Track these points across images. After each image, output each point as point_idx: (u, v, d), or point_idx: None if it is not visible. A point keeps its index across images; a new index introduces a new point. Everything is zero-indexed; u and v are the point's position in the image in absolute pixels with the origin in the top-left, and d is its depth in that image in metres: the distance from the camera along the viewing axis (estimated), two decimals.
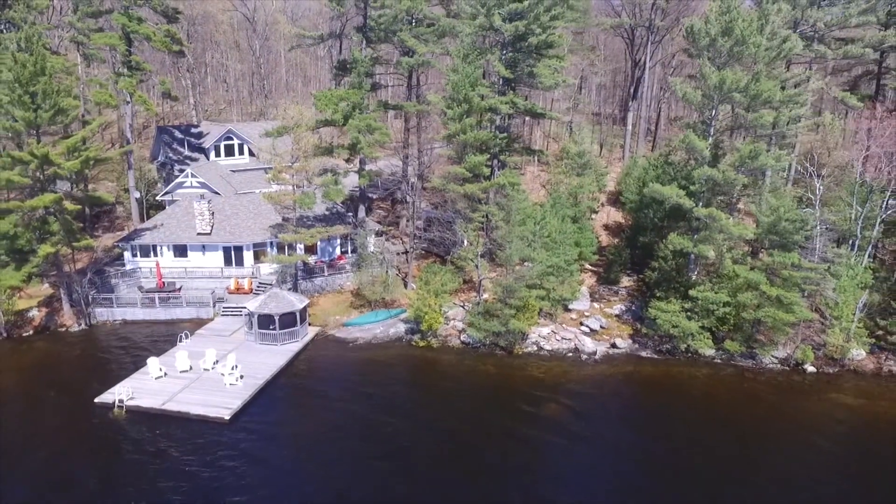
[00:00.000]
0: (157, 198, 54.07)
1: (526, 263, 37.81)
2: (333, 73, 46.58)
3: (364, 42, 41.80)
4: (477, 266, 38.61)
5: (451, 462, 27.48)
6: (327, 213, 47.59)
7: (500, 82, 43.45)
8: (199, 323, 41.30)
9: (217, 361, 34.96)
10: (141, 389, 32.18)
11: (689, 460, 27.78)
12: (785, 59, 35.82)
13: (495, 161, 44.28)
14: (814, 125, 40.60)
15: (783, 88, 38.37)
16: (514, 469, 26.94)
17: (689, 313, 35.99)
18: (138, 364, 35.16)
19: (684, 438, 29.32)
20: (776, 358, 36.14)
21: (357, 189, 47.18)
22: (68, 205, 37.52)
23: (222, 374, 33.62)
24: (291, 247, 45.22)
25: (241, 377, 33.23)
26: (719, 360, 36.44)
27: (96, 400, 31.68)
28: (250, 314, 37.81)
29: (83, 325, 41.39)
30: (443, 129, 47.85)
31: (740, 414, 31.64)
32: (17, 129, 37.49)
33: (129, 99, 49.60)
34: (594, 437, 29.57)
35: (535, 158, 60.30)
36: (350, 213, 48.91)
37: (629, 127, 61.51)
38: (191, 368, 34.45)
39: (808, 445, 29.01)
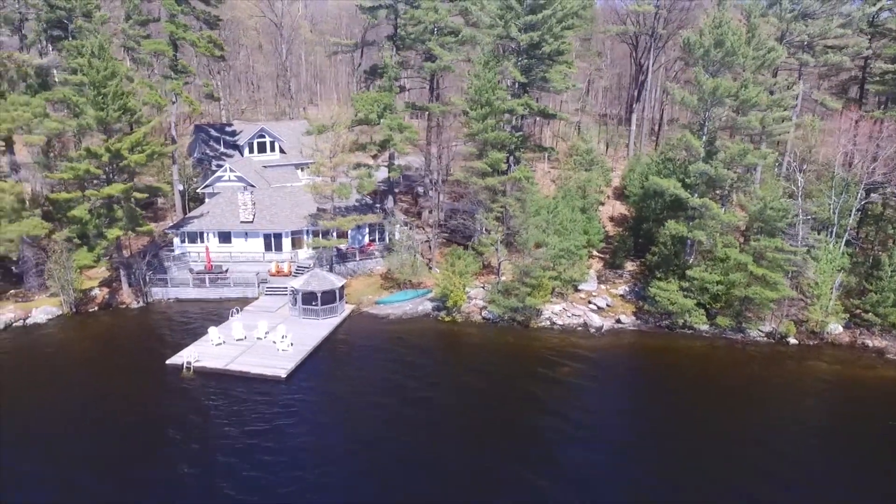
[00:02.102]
0: (198, 191, 58.78)
1: (540, 248, 42.34)
2: (364, 76, 51.24)
3: (394, 49, 46.47)
4: (497, 250, 43.21)
5: (474, 409, 32.12)
6: (357, 204, 52.26)
7: (516, 86, 48.07)
8: (245, 301, 45.96)
9: (268, 332, 39.64)
10: (205, 353, 36.86)
11: (683, 409, 32.41)
12: (771, 67, 40.29)
13: (511, 157, 48.90)
14: (797, 125, 45.02)
15: (772, 93, 42.95)
16: (530, 408, 31.78)
17: (685, 292, 40.54)
18: (195, 334, 39.95)
19: (680, 393, 34.05)
20: (762, 332, 40.68)
21: (385, 182, 51.79)
22: (136, 193, 42.27)
23: (274, 342, 38.30)
24: (326, 234, 49.92)
25: (292, 344, 37.92)
26: (712, 335, 40.98)
27: (167, 362, 36.40)
28: (295, 291, 42.48)
29: (141, 303, 46.12)
30: (461, 129, 52.50)
31: (730, 374, 36.40)
32: (89, 126, 42.31)
33: (174, 99, 54.41)
34: (599, 389, 34.51)
35: (545, 156, 64.97)
36: (378, 205, 53.60)
37: (633, 127, 66.00)
38: (245, 337, 39.13)
39: (790, 398, 33.68)
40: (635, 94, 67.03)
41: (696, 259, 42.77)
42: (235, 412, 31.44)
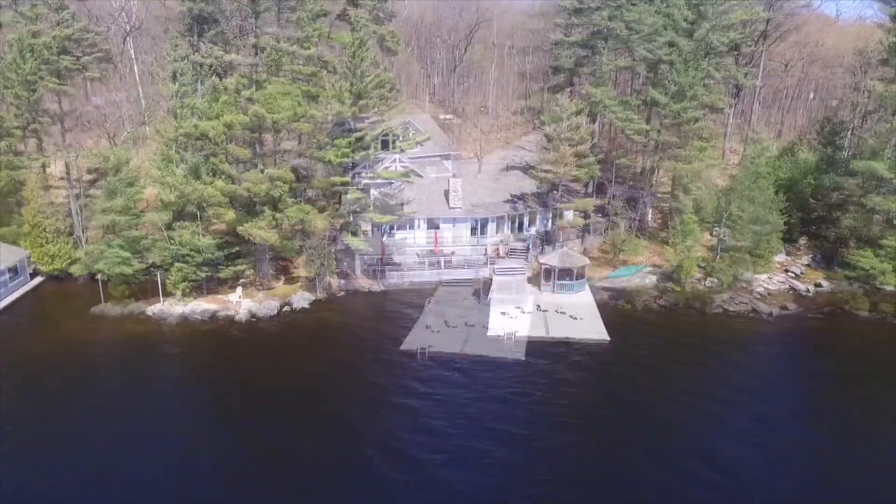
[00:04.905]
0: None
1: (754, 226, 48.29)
2: (551, 72, 55.64)
3: (607, 46, 51.38)
4: (719, 227, 49.04)
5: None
6: (538, 190, 56.37)
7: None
8: (477, 282, 49.09)
9: (539, 305, 43.58)
10: (521, 324, 40.69)
11: None
12: None
13: None
14: None
15: None
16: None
17: (880, 258, 47.91)
18: (460, 311, 43.60)
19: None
20: None
21: None
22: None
23: (559, 312, 42.39)
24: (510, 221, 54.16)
25: (577, 316, 42.07)
26: None
27: (488, 332, 39.79)
28: (551, 268, 46.32)
29: (379, 287, 48.44)
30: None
31: None
32: (344, 115, 44.69)
33: None
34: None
35: None
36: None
37: (730, 121, 73.51)
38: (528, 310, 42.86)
39: None
40: (734, 90, 74.62)
41: (876, 231, 50.34)
42: (589, 362, 35.90)
